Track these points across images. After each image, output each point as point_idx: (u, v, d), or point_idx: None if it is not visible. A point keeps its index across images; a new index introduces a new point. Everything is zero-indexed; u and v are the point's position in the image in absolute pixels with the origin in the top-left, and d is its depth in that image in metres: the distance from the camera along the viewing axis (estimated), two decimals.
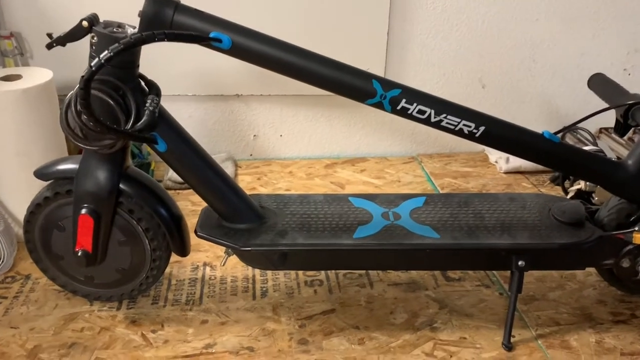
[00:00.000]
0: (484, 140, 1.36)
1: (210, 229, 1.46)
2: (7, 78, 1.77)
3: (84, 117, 1.25)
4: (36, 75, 1.80)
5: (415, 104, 1.30)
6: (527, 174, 2.40)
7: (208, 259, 1.81)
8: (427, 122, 1.33)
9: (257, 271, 1.76)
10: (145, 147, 2.34)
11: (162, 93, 1.35)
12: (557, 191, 2.11)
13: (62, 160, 1.48)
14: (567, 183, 1.76)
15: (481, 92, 2.50)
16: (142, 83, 1.36)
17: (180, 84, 2.32)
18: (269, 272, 1.75)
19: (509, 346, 1.46)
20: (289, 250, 1.42)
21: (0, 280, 1.69)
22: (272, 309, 1.60)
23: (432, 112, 1.31)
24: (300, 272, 1.75)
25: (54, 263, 1.54)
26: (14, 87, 1.71)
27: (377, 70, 2.32)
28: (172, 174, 2.27)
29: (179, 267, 1.77)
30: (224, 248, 1.46)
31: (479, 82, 2.48)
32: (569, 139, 2.25)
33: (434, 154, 2.58)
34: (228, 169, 2.34)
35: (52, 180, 1.47)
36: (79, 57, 1.36)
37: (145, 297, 1.62)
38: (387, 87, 1.29)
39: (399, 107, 1.31)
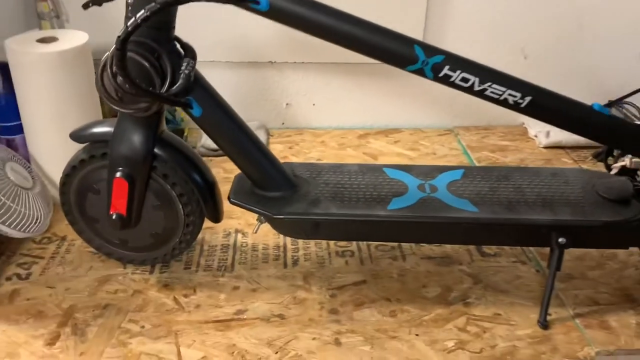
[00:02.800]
0: (529, 111, 1.30)
1: (243, 196, 1.45)
2: (43, 40, 1.77)
3: (119, 79, 1.24)
4: (72, 38, 1.79)
5: (458, 72, 1.25)
6: (568, 149, 2.31)
7: (240, 226, 1.81)
8: (470, 90, 1.28)
9: (289, 240, 1.75)
10: (179, 113, 2.33)
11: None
12: (599, 167, 2.03)
13: (98, 123, 1.48)
14: (610, 159, 1.69)
15: (523, 63, 2.40)
16: (178, 46, 1.34)
17: (213, 50, 2.29)
18: (300, 241, 1.74)
19: (544, 324, 1.42)
20: (322, 220, 1.40)
21: (37, 240, 1.72)
22: (303, 278, 1.59)
23: (477, 80, 1.26)
24: (332, 243, 1.73)
25: (89, 225, 1.56)
26: (49, 49, 1.70)
27: (416, 34, 2.23)
28: (205, 141, 2.26)
29: (211, 233, 1.77)
30: (256, 215, 1.45)
31: (521, 52, 2.38)
32: (615, 114, 2.15)
33: (471, 127, 2.51)
34: (261, 137, 2.31)
35: (87, 143, 1.47)
36: (114, 21, 1.37)
37: (177, 262, 1.63)
38: (430, 53, 1.24)
39: (441, 75, 1.26)
